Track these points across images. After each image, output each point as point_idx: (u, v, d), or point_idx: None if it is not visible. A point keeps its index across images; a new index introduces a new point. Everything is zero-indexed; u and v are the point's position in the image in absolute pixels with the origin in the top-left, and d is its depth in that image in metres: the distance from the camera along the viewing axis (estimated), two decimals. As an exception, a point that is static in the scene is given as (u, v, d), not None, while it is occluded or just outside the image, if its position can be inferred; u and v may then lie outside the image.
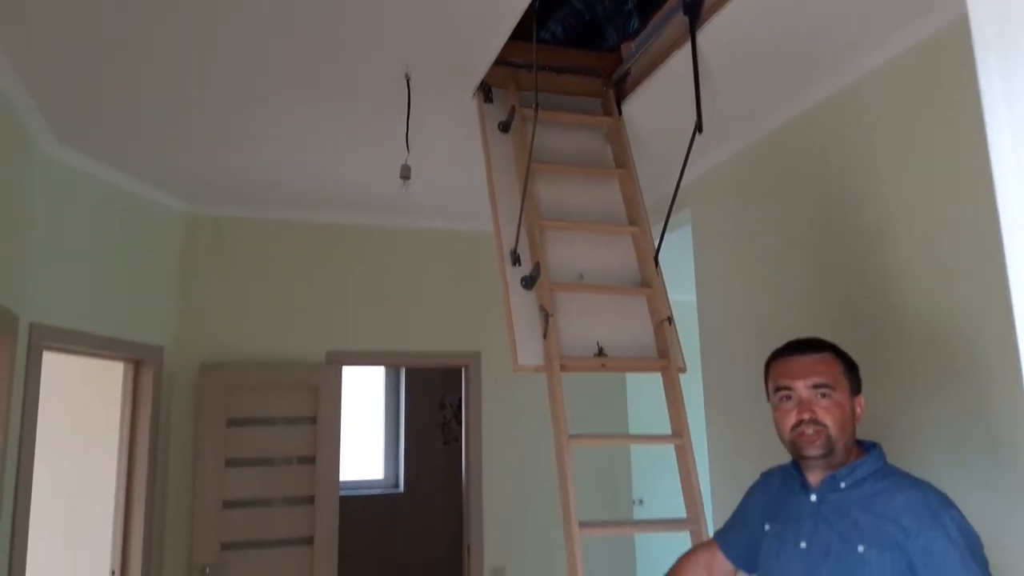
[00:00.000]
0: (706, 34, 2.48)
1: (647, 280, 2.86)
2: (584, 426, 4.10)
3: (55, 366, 3.46)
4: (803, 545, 1.62)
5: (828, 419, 1.60)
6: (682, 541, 2.41)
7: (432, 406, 6.52)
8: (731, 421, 3.20)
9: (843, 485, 1.62)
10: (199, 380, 4.04)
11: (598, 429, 4.57)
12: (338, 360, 4.37)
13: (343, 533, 4.27)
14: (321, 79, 2.83)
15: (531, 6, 2.43)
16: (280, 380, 4.20)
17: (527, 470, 4.52)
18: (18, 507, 2.95)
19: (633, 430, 4.77)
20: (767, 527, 1.75)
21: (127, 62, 2.66)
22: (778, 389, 1.68)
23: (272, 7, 2.34)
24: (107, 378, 3.86)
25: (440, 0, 2.34)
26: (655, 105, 3.05)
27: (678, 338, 2.76)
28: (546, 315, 2.60)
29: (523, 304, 2.70)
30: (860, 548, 1.52)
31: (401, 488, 6.37)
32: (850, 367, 1.69)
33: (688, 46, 2.59)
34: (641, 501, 4.93)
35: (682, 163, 2.68)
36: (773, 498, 1.79)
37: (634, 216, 2.98)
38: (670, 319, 2.74)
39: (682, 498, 2.56)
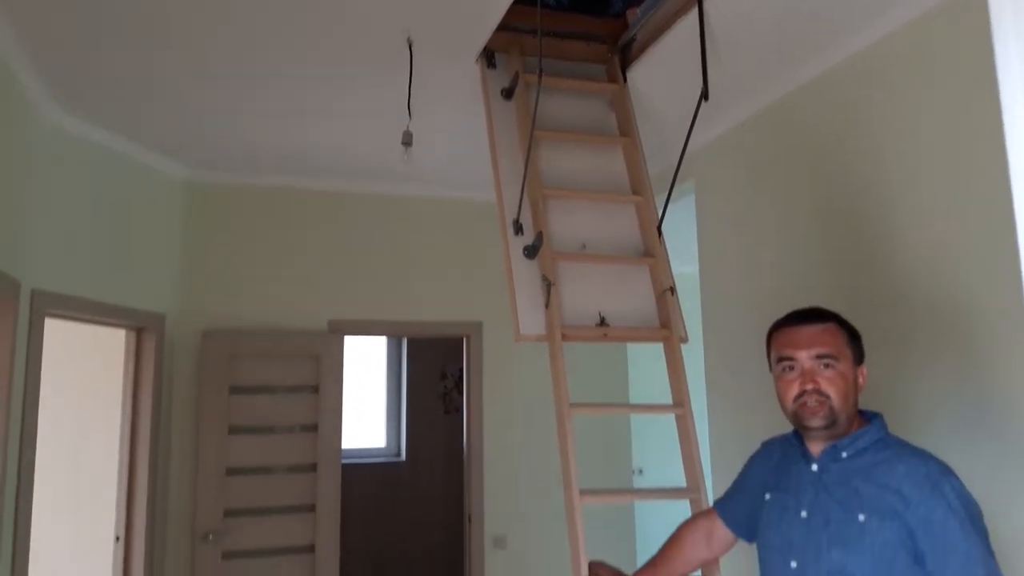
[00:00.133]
0: (713, 0, 2.43)
1: (650, 250, 2.84)
2: (585, 396, 4.11)
3: (57, 333, 3.47)
4: (804, 514, 1.62)
5: (831, 390, 1.60)
6: (682, 510, 2.42)
7: (434, 376, 6.55)
8: (732, 391, 3.20)
9: (844, 455, 1.62)
10: (201, 348, 4.04)
11: (599, 399, 4.59)
12: (340, 329, 4.37)
13: (345, 500, 4.31)
14: (322, 44, 2.79)
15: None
16: (282, 349, 4.21)
17: (528, 440, 4.54)
18: (22, 473, 2.97)
19: (634, 400, 4.78)
20: (767, 496, 1.75)
21: (128, 29, 2.62)
22: (780, 359, 1.67)
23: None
24: (110, 345, 3.87)
25: (442, -37, 2.30)
26: (661, 72, 3.01)
27: (680, 308, 2.75)
28: (548, 284, 2.59)
29: (525, 273, 2.69)
30: (861, 517, 1.52)
31: (403, 457, 6.42)
32: (853, 337, 1.68)
33: (695, 12, 2.55)
34: (641, 471, 4.96)
35: (687, 132, 2.65)
36: (774, 467, 1.79)
37: (637, 185, 2.95)
38: (672, 289, 2.73)
39: (681, 468, 2.57)
